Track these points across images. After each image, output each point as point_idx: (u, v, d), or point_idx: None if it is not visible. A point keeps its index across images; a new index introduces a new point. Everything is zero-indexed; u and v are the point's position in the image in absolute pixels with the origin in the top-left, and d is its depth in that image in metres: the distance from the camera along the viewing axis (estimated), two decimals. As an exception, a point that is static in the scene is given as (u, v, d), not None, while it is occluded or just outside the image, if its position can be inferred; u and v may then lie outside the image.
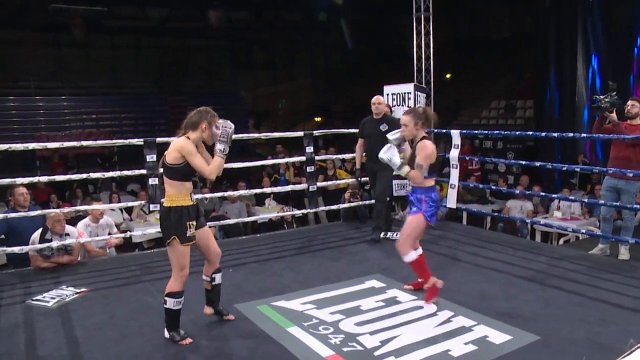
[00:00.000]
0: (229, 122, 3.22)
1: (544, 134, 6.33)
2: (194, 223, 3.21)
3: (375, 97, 5.75)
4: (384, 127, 5.49)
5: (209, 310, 3.56)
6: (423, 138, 3.75)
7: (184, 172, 3.19)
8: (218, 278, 3.50)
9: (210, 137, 3.23)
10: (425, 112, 3.81)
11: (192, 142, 3.19)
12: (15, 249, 4.77)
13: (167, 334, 3.28)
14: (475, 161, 11.20)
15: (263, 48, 23.07)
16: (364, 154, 5.93)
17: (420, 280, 3.98)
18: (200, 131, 3.20)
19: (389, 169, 4.03)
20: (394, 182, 6.52)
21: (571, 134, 6.01)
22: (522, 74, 16.67)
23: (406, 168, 3.73)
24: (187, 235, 3.17)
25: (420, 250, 3.80)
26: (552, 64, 12.12)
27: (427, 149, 3.68)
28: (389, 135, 3.92)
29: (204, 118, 3.21)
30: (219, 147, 3.18)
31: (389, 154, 3.73)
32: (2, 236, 5.03)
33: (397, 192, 6.54)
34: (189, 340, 3.24)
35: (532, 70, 14.99)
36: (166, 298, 3.21)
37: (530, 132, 7.49)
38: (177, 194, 3.18)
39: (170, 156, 3.17)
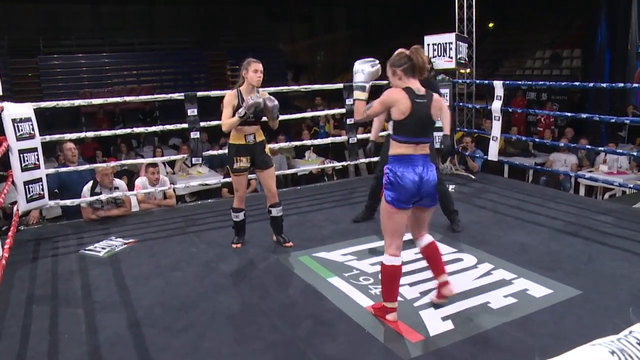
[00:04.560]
0: (258, 98, 3.72)
1: (592, 84, 6.10)
2: (243, 159, 3.92)
3: None
4: None
5: (274, 237, 4.25)
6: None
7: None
8: (274, 212, 4.13)
9: (251, 80, 3.80)
10: (412, 57, 2.85)
11: (243, 91, 3.84)
12: (68, 202, 5.00)
13: None
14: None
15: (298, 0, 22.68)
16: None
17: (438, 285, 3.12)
18: (244, 80, 3.84)
19: None
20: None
21: (621, 84, 5.62)
22: (570, 22, 15.91)
23: (360, 93, 2.91)
24: (234, 167, 3.95)
25: (397, 260, 2.90)
26: (603, 9, 11.51)
27: (386, 94, 2.84)
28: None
29: (242, 68, 3.84)
30: (239, 110, 3.75)
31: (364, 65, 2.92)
32: (56, 190, 5.24)
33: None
34: (236, 246, 4.15)
35: (581, 18, 14.28)
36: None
37: (578, 83, 7.21)
38: (233, 134, 3.92)
39: None
